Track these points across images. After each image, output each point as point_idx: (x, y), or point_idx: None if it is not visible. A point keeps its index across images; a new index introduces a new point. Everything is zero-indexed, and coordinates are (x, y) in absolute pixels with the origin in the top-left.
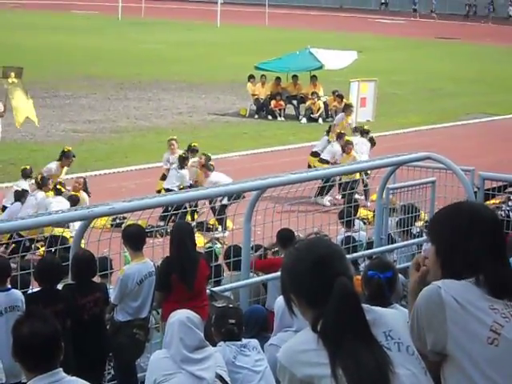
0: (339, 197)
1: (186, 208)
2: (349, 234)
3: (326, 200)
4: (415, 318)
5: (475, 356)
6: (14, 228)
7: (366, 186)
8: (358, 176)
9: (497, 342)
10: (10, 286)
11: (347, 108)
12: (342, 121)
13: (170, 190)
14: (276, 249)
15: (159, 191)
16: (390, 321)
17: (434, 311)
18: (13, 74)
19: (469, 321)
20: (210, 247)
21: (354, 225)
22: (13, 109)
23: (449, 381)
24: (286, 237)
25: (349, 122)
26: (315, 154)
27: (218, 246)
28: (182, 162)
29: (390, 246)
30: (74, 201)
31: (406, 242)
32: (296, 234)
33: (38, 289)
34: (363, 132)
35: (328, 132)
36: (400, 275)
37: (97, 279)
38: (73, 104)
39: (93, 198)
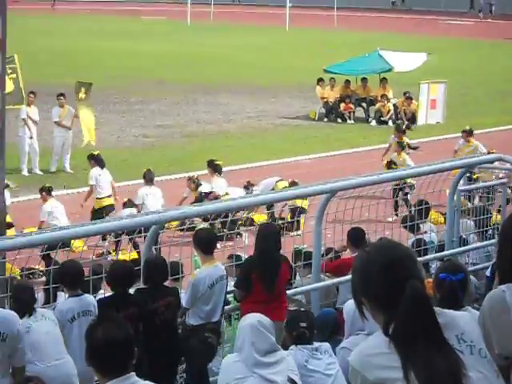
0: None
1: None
2: (419, 236)
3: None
4: (481, 322)
5: None
6: (84, 233)
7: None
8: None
9: None
10: (81, 292)
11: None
12: (395, 141)
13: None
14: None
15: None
16: (462, 324)
17: (499, 315)
18: (83, 90)
19: None
20: (297, 248)
21: (419, 228)
22: (81, 125)
23: None
24: (356, 236)
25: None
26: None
27: (304, 246)
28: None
29: (462, 248)
30: None
31: (478, 244)
32: (366, 236)
33: (110, 293)
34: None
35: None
36: (472, 277)
37: (168, 283)
38: (143, 109)
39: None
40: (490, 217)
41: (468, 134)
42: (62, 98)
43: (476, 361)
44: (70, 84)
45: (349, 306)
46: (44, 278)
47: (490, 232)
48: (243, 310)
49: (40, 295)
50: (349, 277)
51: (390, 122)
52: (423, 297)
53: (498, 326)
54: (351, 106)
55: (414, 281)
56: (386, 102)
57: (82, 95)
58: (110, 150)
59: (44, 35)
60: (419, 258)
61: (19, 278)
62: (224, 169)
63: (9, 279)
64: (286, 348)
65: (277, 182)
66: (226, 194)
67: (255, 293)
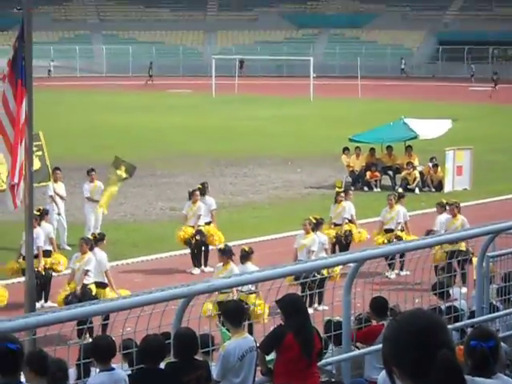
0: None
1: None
2: (449, 303)
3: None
4: None
5: None
6: (107, 309)
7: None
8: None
9: None
10: (113, 366)
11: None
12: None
13: None
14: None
15: None
16: None
17: None
18: (123, 168)
19: None
20: (327, 319)
21: (449, 295)
22: (104, 195)
23: None
24: (379, 304)
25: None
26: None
27: (338, 318)
28: None
29: (492, 315)
30: None
31: (507, 311)
32: (395, 305)
33: (140, 367)
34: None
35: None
36: (503, 344)
37: (199, 356)
38: (169, 182)
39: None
40: None
41: (442, 206)
42: (93, 173)
43: None
44: (95, 159)
45: (382, 376)
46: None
47: None
48: (275, 382)
49: (72, 371)
50: (376, 347)
51: (417, 190)
52: (455, 367)
53: None
54: (377, 174)
55: (445, 350)
56: (411, 169)
57: (121, 173)
58: (138, 223)
59: (68, 111)
60: (450, 326)
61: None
62: (252, 240)
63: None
64: None
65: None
66: None
67: (291, 359)
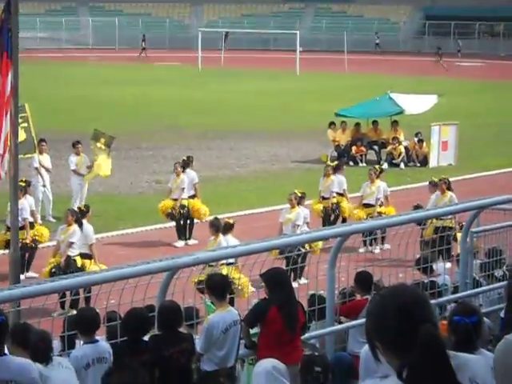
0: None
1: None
2: (433, 278)
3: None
4: (494, 373)
5: None
6: (91, 281)
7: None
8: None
9: None
10: (98, 338)
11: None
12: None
13: None
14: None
15: None
16: (476, 367)
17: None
18: (103, 141)
19: None
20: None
21: (432, 271)
22: (95, 166)
23: None
24: (363, 279)
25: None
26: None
27: (321, 292)
28: None
29: (475, 291)
30: None
31: (490, 286)
32: (379, 279)
33: (124, 339)
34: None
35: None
36: (486, 319)
37: (183, 329)
38: (155, 155)
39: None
40: (503, 258)
41: (443, 185)
42: (79, 145)
43: None
44: (82, 132)
45: (365, 350)
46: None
47: (502, 274)
48: (259, 355)
49: (56, 343)
50: (360, 321)
51: (402, 165)
52: (437, 341)
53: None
54: (363, 148)
55: (427, 325)
56: (397, 144)
57: (100, 145)
58: (123, 196)
59: (54, 83)
60: (433, 301)
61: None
62: (237, 213)
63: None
64: None
65: None
66: None
67: (274, 332)
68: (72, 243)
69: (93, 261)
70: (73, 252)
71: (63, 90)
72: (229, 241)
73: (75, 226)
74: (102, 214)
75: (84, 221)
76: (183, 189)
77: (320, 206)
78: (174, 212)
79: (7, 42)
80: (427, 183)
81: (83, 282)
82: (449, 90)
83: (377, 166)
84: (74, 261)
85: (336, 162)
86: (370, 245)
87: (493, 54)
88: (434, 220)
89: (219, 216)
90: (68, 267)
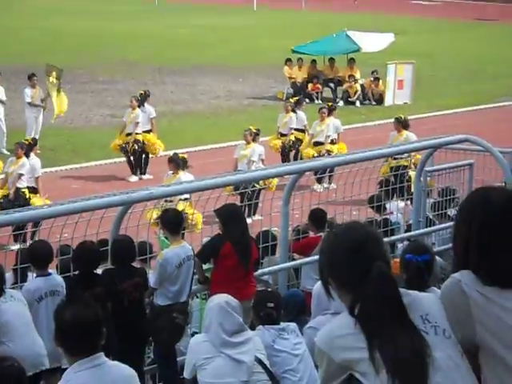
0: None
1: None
2: (386, 216)
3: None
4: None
5: (507, 343)
6: (44, 215)
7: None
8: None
9: None
10: (50, 271)
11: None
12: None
13: None
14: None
15: None
16: (427, 304)
17: (457, 305)
18: (54, 74)
19: (494, 310)
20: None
21: (385, 209)
22: (53, 104)
23: (484, 369)
24: (318, 216)
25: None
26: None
27: (275, 229)
28: None
29: (428, 229)
30: None
31: (443, 225)
32: (332, 217)
33: (77, 273)
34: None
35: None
36: (438, 258)
37: (136, 264)
38: (110, 89)
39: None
40: (456, 197)
41: (399, 124)
42: (34, 78)
43: (440, 341)
44: (36, 64)
45: (317, 286)
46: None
47: (455, 213)
48: (212, 290)
49: (9, 275)
50: (313, 258)
51: (358, 103)
52: (388, 278)
53: (457, 317)
54: (319, 86)
55: (379, 262)
56: (353, 82)
57: (52, 79)
58: (78, 129)
59: (4, 13)
60: (386, 239)
61: None
62: (192, 149)
63: None
64: (253, 328)
65: None
66: None
67: (228, 268)
68: (21, 175)
69: (38, 195)
70: (21, 184)
71: (17, 21)
72: (181, 176)
73: (24, 159)
74: (56, 147)
75: (31, 154)
76: (137, 123)
77: (278, 142)
78: (128, 147)
79: None
80: (383, 121)
81: (36, 215)
82: (406, 29)
83: (328, 104)
84: (23, 193)
85: (296, 98)
86: (319, 182)
87: None
88: (390, 159)
89: (174, 151)
90: (17, 199)
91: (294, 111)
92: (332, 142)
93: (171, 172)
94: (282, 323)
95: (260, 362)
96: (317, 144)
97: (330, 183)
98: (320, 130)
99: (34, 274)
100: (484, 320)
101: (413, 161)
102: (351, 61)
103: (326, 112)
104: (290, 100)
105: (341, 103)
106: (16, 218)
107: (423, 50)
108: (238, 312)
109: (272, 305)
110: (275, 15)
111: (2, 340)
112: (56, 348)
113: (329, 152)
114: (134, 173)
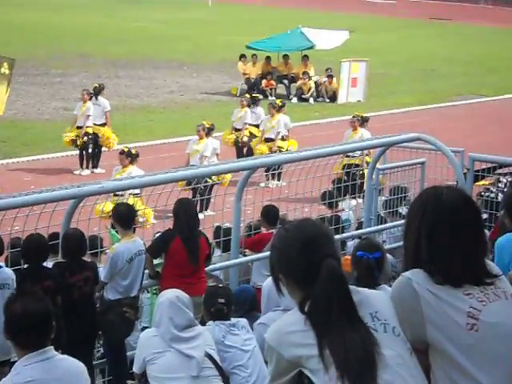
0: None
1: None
2: (337, 213)
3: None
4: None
5: (457, 343)
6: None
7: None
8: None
9: (476, 328)
10: (0, 264)
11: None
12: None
13: None
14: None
15: None
16: (377, 302)
17: (408, 304)
18: (6, 65)
19: (445, 309)
20: (217, 225)
21: (337, 206)
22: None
23: (434, 367)
24: (270, 213)
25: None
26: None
27: (227, 225)
28: None
29: (379, 227)
30: None
31: (394, 223)
32: (284, 213)
33: (27, 266)
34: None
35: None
36: (389, 256)
37: (87, 258)
38: (64, 82)
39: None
40: (407, 196)
41: (357, 121)
42: None
43: (390, 339)
44: None
45: (268, 283)
46: None
47: (405, 211)
48: (162, 285)
49: None
50: (264, 254)
51: (311, 100)
52: (338, 275)
53: (407, 315)
54: (273, 82)
55: (329, 259)
56: (307, 79)
57: (4, 70)
58: (31, 122)
59: None
60: (337, 236)
61: None
62: (145, 143)
63: None
64: (203, 323)
65: None
66: None
67: (178, 263)
68: None
69: None
70: None
71: None
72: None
73: None
74: (7, 139)
75: None
76: (88, 116)
77: (232, 137)
78: (78, 140)
79: None
80: (336, 118)
81: None
82: (360, 27)
83: (277, 101)
84: None
85: (255, 95)
86: (269, 179)
87: None
88: (343, 156)
89: (126, 145)
90: None
91: (249, 106)
92: (282, 139)
93: (120, 166)
94: (232, 319)
95: (210, 357)
96: (268, 140)
97: (278, 180)
98: (270, 126)
99: None
100: (435, 319)
101: (366, 159)
102: (305, 57)
103: (274, 108)
104: (246, 95)
105: (294, 100)
106: None
107: (377, 48)
108: (189, 307)
109: (223, 300)
110: (230, 10)
111: None
112: (5, 341)
113: (280, 149)
114: (86, 166)
